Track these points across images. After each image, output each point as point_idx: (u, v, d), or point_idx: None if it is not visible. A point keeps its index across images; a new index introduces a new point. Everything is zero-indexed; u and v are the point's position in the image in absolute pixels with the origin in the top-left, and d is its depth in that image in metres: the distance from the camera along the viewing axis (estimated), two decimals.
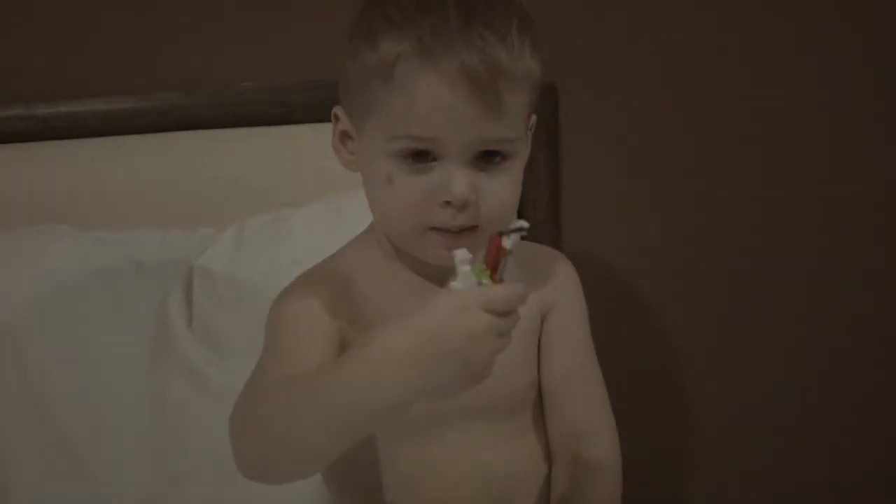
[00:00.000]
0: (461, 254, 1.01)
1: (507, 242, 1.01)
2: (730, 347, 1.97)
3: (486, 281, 1.00)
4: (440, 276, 1.12)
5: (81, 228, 1.57)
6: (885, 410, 2.01)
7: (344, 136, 1.19)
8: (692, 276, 1.95)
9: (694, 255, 1.95)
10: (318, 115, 1.66)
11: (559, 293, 1.29)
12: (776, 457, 2.03)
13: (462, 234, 1.14)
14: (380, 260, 1.21)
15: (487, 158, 1.13)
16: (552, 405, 1.27)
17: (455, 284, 0.99)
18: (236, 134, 1.66)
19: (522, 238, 1.02)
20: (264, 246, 1.53)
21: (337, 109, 1.19)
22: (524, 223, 1.02)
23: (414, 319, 0.96)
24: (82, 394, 1.43)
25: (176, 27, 1.68)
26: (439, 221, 1.13)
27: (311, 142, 1.65)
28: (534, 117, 1.20)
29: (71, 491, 1.39)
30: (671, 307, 1.96)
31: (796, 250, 1.97)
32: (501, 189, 1.14)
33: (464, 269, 1.00)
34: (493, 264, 1.01)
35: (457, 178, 1.11)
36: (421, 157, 1.12)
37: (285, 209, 1.58)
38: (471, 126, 1.11)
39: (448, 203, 1.12)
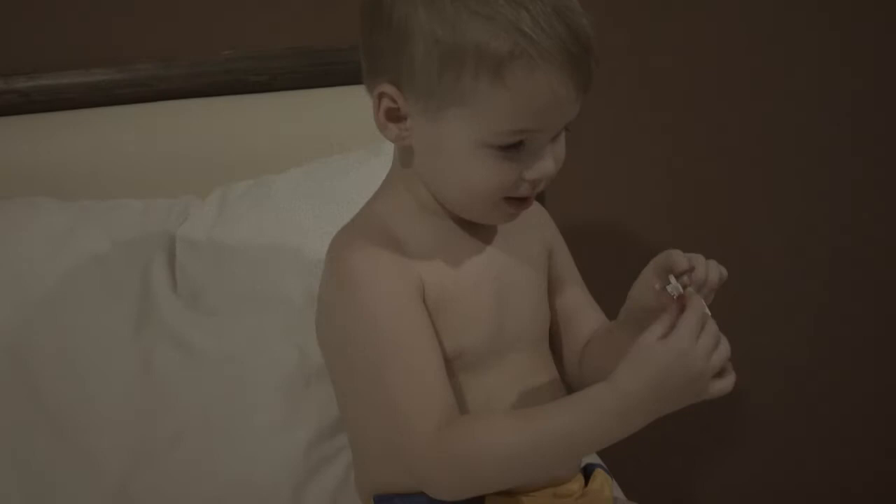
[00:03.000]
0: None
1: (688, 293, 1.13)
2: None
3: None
4: (470, 226, 1.22)
5: (65, 200, 1.55)
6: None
7: (391, 113, 1.15)
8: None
9: (678, 234, 1.95)
10: (299, 82, 1.67)
11: (553, 233, 1.35)
12: (786, 449, 2.04)
13: (532, 198, 1.18)
14: (415, 209, 1.21)
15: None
16: (567, 328, 1.33)
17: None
18: (217, 103, 1.66)
19: None
20: (247, 211, 1.53)
21: (388, 89, 1.13)
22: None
23: (642, 370, 1.06)
24: (66, 361, 1.41)
25: None
26: (520, 193, 1.16)
27: (292, 109, 1.66)
28: None
29: (57, 457, 1.38)
30: None
31: (805, 245, 1.98)
32: (563, 151, 1.18)
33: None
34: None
35: (547, 159, 1.14)
36: (516, 143, 1.13)
37: (267, 175, 1.57)
38: (570, 111, 1.13)
39: (537, 181, 1.15)
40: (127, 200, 1.56)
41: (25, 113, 1.64)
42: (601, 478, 1.32)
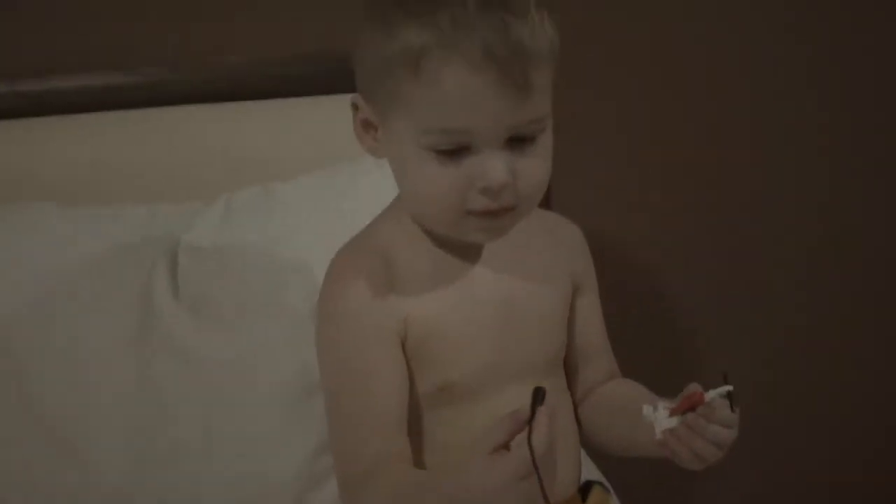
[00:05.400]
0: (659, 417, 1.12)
1: (708, 397, 1.10)
2: (731, 333, 1.97)
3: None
4: (474, 249, 1.21)
5: (68, 206, 1.54)
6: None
7: (366, 124, 1.17)
8: (687, 264, 1.95)
9: (688, 242, 1.94)
10: (307, 88, 1.67)
11: (585, 268, 1.32)
12: (781, 441, 2.03)
13: (502, 212, 1.14)
14: (417, 234, 1.21)
15: (519, 140, 1.12)
16: (584, 366, 1.33)
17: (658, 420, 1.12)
18: (224, 109, 1.64)
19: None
20: (253, 218, 1.51)
21: (356, 99, 1.17)
22: (730, 387, 1.10)
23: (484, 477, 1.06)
24: (66, 369, 1.40)
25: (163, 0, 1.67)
26: (479, 206, 1.13)
27: (299, 115, 1.65)
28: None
29: (58, 472, 1.36)
30: (669, 295, 1.96)
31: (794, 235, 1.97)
32: (536, 167, 1.14)
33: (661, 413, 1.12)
34: (684, 409, 1.11)
35: (493, 165, 1.10)
36: (454, 148, 1.11)
37: (274, 183, 1.56)
38: (501, 112, 1.09)
39: (486, 189, 1.11)
40: (131, 206, 1.55)
41: (31, 116, 1.62)
42: (598, 495, 1.29)
